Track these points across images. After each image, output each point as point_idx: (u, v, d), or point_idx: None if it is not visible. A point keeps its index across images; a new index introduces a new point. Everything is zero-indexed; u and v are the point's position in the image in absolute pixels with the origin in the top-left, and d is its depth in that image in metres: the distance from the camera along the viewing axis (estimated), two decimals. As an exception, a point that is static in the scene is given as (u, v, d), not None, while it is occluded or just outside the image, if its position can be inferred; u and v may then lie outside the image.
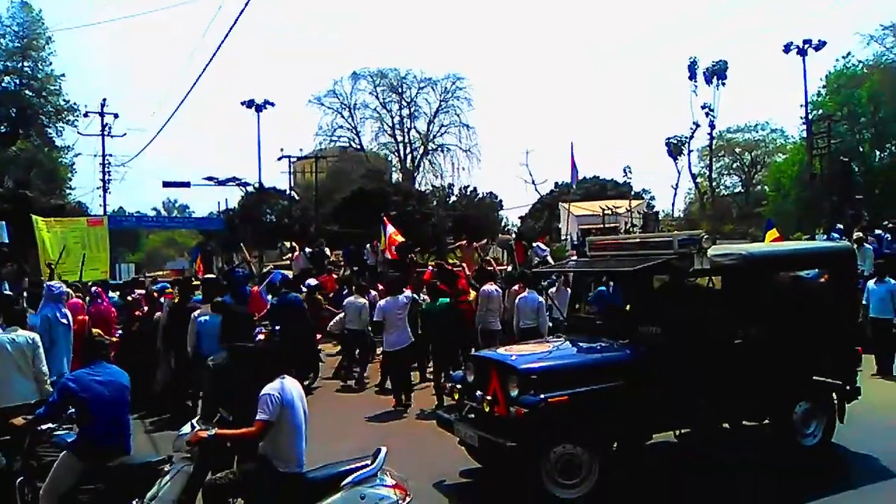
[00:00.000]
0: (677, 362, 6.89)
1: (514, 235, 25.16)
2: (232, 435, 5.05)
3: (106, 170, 36.97)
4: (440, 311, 10.97)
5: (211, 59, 12.86)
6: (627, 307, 8.93)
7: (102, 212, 34.76)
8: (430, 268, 16.20)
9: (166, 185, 38.31)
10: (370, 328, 12.72)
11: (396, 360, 11.10)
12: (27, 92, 43.66)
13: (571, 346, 7.60)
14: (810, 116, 36.99)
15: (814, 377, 7.77)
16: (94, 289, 12.98)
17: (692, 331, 7.11)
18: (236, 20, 11.09)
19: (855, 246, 12.50)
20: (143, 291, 14.22)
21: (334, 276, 18.63)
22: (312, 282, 14.95)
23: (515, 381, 6.61)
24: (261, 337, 10.20)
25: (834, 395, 7.82)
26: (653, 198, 63.50)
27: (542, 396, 6.33)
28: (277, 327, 11.56)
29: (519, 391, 6.53)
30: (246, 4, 10.91)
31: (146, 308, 12.18)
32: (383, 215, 17.88)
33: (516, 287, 12.08)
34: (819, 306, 8.18)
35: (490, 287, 11.89)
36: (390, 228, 17.59)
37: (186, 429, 5.16)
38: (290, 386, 5.11)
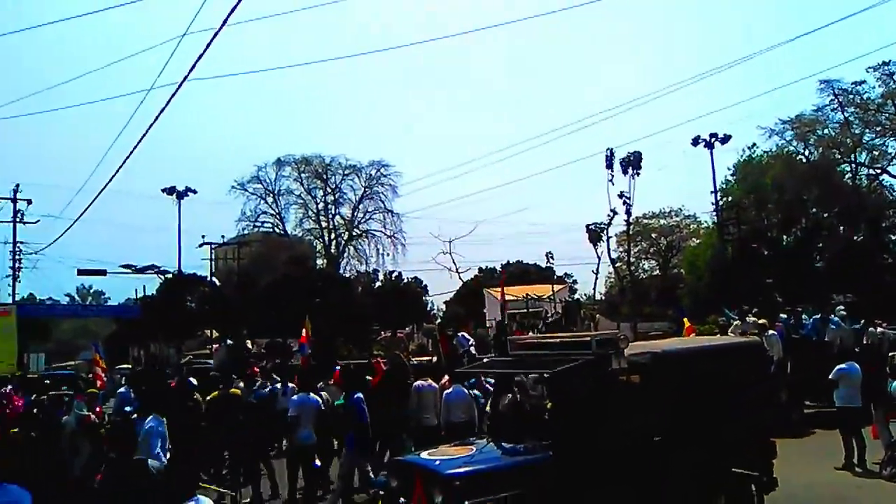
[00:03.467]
0: (598, 462, 6.93)
1: (436, 325, 25.22)
2: None
3: (17, 257, 35.76)
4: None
5: (130, 153, 12.72)
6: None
7: (11, 300, 33.38)
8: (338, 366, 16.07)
9: (81, 272, 37.38)
10: None
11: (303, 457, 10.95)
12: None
13: (495, 448, 7.57)
14: (720, 203, 38.72)
15: (733, 469, 7.91)
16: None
17: (612, 430, 7.16)
18: (156, 118, 11.09)
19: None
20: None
21: (255, 368, 18.12)
22: None
23: (439, 487, 6.54)
24: None
25: (753, 486, 7.99)
26: (575, 281, 64.90)
27: (466, 503, 6.27)
28: None
29: (444, 498, 6.46)
30: (167, 104, 10.92)
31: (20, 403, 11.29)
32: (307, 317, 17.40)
33: (444, 381, 11.82)
34: (734, 399, 8.40)
35: (422, 382, 11.64)
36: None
37: None
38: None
